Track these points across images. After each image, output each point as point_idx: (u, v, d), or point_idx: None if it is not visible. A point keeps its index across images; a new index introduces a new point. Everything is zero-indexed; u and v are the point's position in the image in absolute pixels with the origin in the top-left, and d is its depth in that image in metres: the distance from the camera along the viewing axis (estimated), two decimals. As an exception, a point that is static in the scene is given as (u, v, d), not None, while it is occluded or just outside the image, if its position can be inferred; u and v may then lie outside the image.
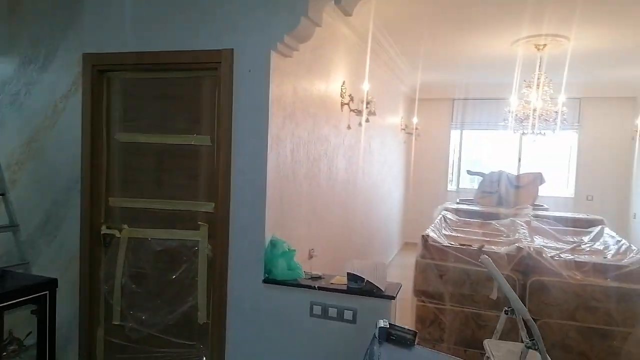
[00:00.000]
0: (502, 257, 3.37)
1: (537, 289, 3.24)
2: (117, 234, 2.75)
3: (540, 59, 4.74)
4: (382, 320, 1.37)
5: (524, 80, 4.83)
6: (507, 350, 2.28)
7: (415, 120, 7.06)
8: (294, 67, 2.75)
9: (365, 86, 3.75)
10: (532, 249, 3.37)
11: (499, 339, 2.52)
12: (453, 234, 4.31)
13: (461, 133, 8.27)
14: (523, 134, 4.96)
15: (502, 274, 3.31)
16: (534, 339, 1.96)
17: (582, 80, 6.29)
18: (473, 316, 3.38)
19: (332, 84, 3.55)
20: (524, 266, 3.33)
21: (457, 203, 6.55)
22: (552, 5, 3.67)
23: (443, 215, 4.86)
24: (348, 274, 2.37)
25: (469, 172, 7.16)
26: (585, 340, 3.06)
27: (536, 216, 5.33)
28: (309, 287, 2.40)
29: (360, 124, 4.01)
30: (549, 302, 3.14)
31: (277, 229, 2.60)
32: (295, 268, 2.44)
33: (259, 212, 2.47)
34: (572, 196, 7.70)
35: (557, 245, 4.07)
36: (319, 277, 2.52)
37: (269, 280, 2.48)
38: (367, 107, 3.75)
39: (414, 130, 7.05)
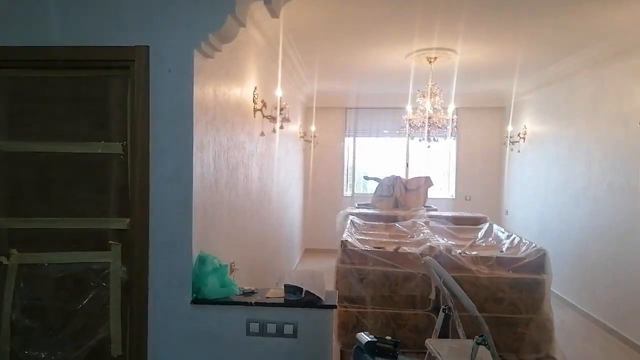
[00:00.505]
0: (417, 256, 3.52)
1: (449, 285, 3.43)
2: (4, 261, 2.30)
3: (432, 70, 5.11)
4: (363, 334, 1.30)
5: (418, 90, 5.16)
6: (449, 347, 2.36)
7: (313, 128, 7.15)
8: (214, 69, 2.58)
9: (279, 92, 3.67)
10: (442, 248, 3.57)
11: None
12: (363, 237, 4.40)
13: (354, 140, 8.58)
14: (420, 140, 5.28)
15: (419, 273, 3.47)
16: (483, 335, 2.05)
17: (459, 91, 6.95)
18: (393, 316, 3.47)
19: (245, 89, 3.41)
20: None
21: (357, 207, 6.76)
22: (439, 22, 3.98)
23: (352, 220, 4.95)
24: (285, 286, 2.26)
25: (365, 177, 7.44)
26: (494, 329, 3.27)
27: (430, 217, 5.69)
28: (245, 303, 2.24)
29: (274, 131, 3.91)
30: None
31: (201, 243, 2.39)
32: (229, 284, 2.26)
33: (184, 227, 2.25)
34: (453, 197, 8.43)
35: (457, 243, 4.37)
36: (252, 292, 2.37)
37: (199, 300, 2.26)
38: (280, 114, 3.67)
39: (313, 138, 7.13)
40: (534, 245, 3.69)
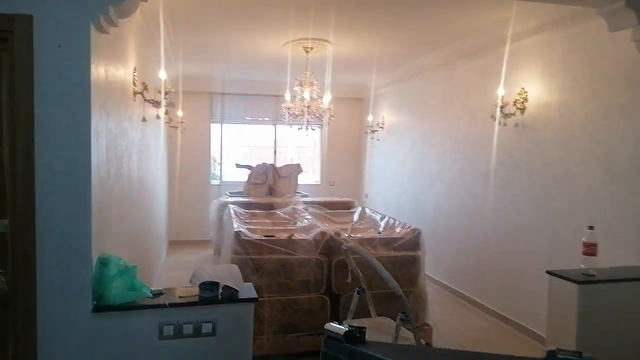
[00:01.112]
0: (310, 242, 3.62)
1: (340, 267, 3.61)
2: None
3: (308, 60, 5.23)
4: (332, 324, 1.30)
5: (296, 79, 5.24)
6: (367, 326, 2.48)
7: (180, 113, 6.75)
8: (104, 45, 2.27)
9: (162, 74, 3.39)
10: (332, 232, 3.73)
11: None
12: (249, 226, 4.36)
13: (221, 127, 8.34)
14: (299, 129, 5.38)
15: (313, 258, 3.57)
16: (405, 313, 2.20)
17: (322, 81, 7.25)
18: (289, 302, 3.52)
19: (128, 69, 3.08)
20: (327, 248, 3.66)
21: (229, 196, 6.63)
22: (313, 12, 4.09)
23: (234, 210, 4.85)
24: (202, 283, 2.14)
25: (237, 165, 7.32)
26: (380, 304, 3.55)
27: (305, 203, 5.88)
28: (158, 306, 2.07)
29: (158, 117, 3.60)
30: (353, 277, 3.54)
31: (98, 243, 2.13)
32: (140, 287, 2.05)
33: (81, 226, 1.97)
34: (319, 183, 8.81)
35: (339, 227, 4.60)
36: (159, 293, 2.19)
37: (101, 307, 2.01)
38: (165, 98, 3.39)
39: (180, 124, 6.74)
40: (409, 225, 4.08)
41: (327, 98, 5.28)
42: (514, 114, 4.26)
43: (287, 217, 5.01)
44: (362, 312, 3.08)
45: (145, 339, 2.06)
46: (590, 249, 2.75)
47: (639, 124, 3.09)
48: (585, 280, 2.65)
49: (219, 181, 8.41)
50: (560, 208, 3.76)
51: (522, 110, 4.21)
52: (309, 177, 8.80)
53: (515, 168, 4.31)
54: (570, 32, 3.68)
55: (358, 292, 2.69)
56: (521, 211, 4.22)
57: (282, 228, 4.49)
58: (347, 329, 1.22)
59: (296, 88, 5.21)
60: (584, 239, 2.78)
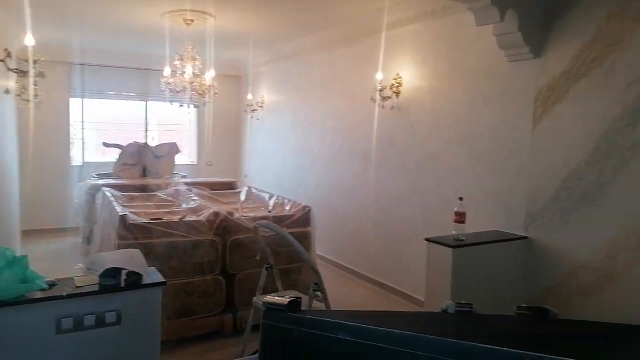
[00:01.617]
0: (203, 223, 3.54)
1: (235, 246, 3.62)
2: None
3: (189, 33, 4.99)
4: (269, 296, 1.33)
5: (176, 53, 4.97)
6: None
7: (33, 85, 5.91)
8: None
9: (29, 40, 2.95)
10: (225, 212, 3.70)
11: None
12: (131, 210, 4.09)
13: (82, 102, 7.52)
14: (180, 106, 5.13)
15: (207, 239, 3.52)
16: (317, 284, 2.30)
17: (204, 57, 6.98)
18: (183, 286, 3.43)
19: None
20: (221, 229, 3.62)
21: (98, 178, 6.09)
22: None
23: (111, 193, 4.47)
24: (105, 270, 2.00)
25: (105, 144, 6.71)
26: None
27: (186, 184, 5.68)
28: (55, 297, 1.87)
29: (24, 89, 3.13)
30: (248, 256, 3.57)
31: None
32: (33, 278, 1.83)
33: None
34: (195, 163, 8.52)
35: (227, 207, 4.56)
36: (53, 284, 1.99)
37: (-14, 304, 1.76)
38: (34, 67, 2.97)
39: (34, 98, 5.91)
40: (298, 202, 4.22)
41: (210, 74, 5.11)
42: (390, 97, 4.63)
43: (170, 199, 4.80)
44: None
45: (40, 335, 1.86)
46: (460, 217, 3.18)
47: (495, 111, 3.60)
48: (457, 244, 3.06)
49: (81, 162, 7.63)
50: (429, 183, 4.24)
51: (398, 94, 4.59)
52: (185, 157, 8.45)
53: (392, 147, 4.71)
54: (440, 23, 4.10)
55: (267, 269, 2.75)
56: (396, 186, 4.65)
57: (167, 210, 4.30)
58: (290, 299, 1.28)
59: (177, 62, 4.95)
60: (455, 209, 3.20)
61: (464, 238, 3.14)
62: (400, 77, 4.58)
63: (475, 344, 0.90)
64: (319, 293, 2.41)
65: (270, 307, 1.32)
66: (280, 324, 1.27)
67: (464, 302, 1.79)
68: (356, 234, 5.26)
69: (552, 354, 0.93)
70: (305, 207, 4.09)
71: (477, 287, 3.08)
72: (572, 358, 0.91)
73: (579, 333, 1.43)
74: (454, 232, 3.17)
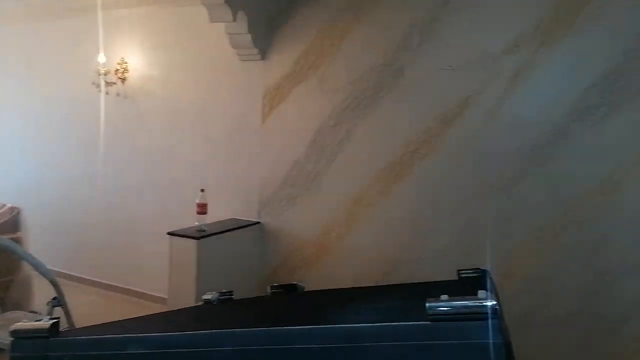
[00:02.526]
0: None
1: None
2: None
3: None
4: (22, 323, 1.05)
5: None
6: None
7: None
8: None
9: None
10: None
11: None
12: None
13: None
14: None
15: None
16: (56, 297, 1.92)
17: None
18: None
19: None
20: None
21: None
22: None
23: None
24: None
25: None
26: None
27: None
28: None
29: None
30: None
31: None
32: None
33: None
34: None
35: None
36: None
37: None
38: None
39: None
40: (4, 204, 3.46)
41: None
42: (115, 84, 4.27)
43: None
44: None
45: None
46: (202, 209, 3.25)
47: (230, 105, 3.78)
48: (200, 235, 3.13)
49: None
50: (167, 175, 4.13)
51: (123, 80, 4.28)
52: None
53: (121, 138, 4.36)
54: (175, 12, 3.98)
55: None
56: (130, 180, 4.34)
57: None
58: (52, 320, 1.09)
59: None
60: (197, 201, 3.25)
61: (206, 229, 3.23)
62: (125, 63, 4.27)
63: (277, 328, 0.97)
64: (59, 308, 2.07)
65: (22, 336, 1.09)
66: (40, 353, 1.08)
67: (224, 290, 1.88)
68: (81, 235, 4.66)
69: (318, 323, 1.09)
70: (13, 208, 3.40)
71: (219, 274, 3.22)
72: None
73: (324, 300, 1.71)
74: (196, 223, 3.22)
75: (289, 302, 1.73)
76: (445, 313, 0.76)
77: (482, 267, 1.98)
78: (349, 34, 3.29)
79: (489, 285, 1.57)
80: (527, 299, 2.85)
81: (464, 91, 2.95)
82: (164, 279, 3.23)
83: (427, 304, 0.81)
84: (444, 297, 0.82)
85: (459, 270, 1.91)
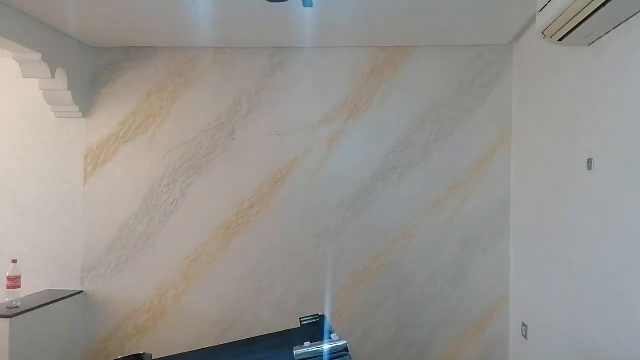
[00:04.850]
0: None
1: None
2: None
3: None
4: None
5: None
6: None
7: None
8: None
9: None
10: None
11: None
12: None
13: None
14: None
15: None
16: None
17: None
18: None
19: None
20: None
21: None
22: None
23: None
24: None
25: None
26: None
27: None
28: None
29: None
30: None
31: None
32: None
33: None
34: None
35: None
36: None
37: None
38: None
39: None
40: None
41: None
42: None
43: None
44: None
45: None
46: (14, 282, 2.87)
47: (43, 164, 3.46)
48: (13, 313, 2.74)
49: None
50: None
51: None
52: None
53: None
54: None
55: None
56: None
57: None
58: None
59: None
60: (7, 274, 2.86)
61: (18, 304, 2.84)
62: None
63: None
64: None
65: None
66: None
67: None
68: None
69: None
70: None
71: (40, 354, 2.85)
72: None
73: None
74: (7, 299, 2.81)
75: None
76: (312, 356, 0.95)
77: (319, 313, 2.26)
78: (180, 96, 3.41)
79: (328, 328, 1.83)
80: (353, 335, 3.25)
81: (290, 154, 3.33)
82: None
83: (295, 351, 0.99)
84: (307, 343, 1.02)
85: (300, 317, 2.15)
